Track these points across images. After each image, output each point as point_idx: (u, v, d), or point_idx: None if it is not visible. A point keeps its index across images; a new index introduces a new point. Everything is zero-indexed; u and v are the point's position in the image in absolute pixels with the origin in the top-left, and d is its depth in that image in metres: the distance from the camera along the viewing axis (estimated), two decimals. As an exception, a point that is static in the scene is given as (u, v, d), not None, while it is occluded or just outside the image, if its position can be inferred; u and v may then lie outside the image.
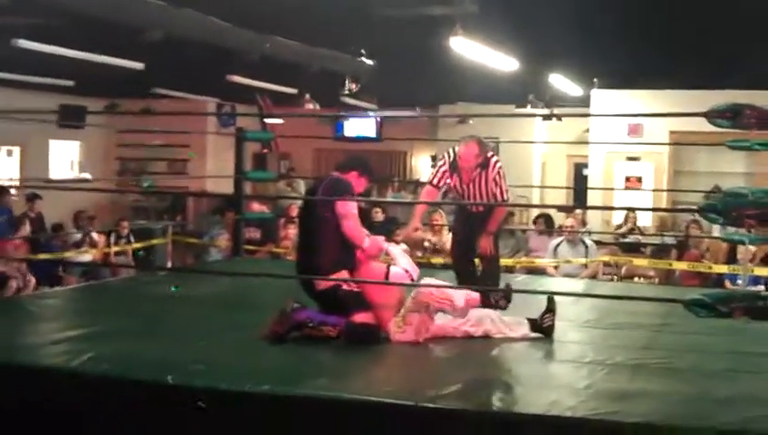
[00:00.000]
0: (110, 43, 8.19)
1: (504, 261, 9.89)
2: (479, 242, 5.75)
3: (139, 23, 6.57)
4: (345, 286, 4.67)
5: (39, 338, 4.59)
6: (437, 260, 9.59)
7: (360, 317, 4.61)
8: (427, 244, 9.88)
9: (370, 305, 4.67)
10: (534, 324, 4.72)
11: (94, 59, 8.47)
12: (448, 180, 5.74)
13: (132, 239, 10.95)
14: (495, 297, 4.71)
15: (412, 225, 5.89)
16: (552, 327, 4.75)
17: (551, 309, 4.78)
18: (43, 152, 14.35)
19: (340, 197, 4.78)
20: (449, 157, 5.74)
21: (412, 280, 4.79)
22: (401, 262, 4.95)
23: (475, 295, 4.65)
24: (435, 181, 5.77)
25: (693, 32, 7.97)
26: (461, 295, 4.58)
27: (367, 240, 4.83)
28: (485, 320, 4.68)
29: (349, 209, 4.78)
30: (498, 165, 5.68)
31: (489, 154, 5.70)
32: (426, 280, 4.76)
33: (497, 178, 5.65)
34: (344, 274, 4.72)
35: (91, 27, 6.81)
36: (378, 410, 3.49)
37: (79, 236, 10.64)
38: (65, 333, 4.57)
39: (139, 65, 9.03)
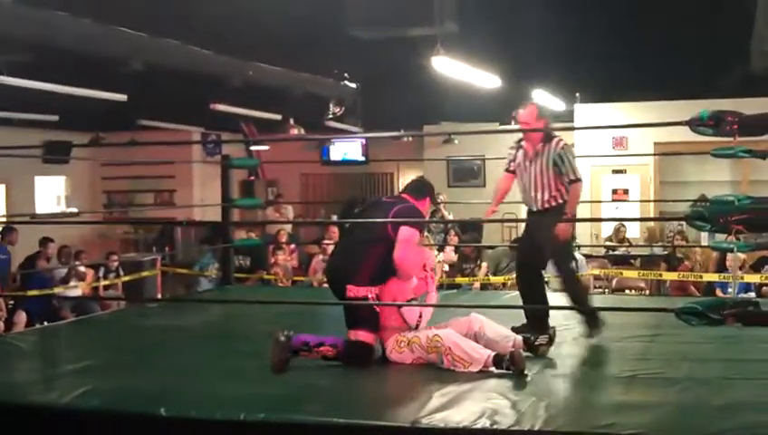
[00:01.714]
0: (92, 75, 8.19)
1: (494, 279, 9.93)
2: (555, 228, 5.23)
3: (119, 54, 6.57)
4: (372, 301, 4.62)
5: (30, 375, 4.55)
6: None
7: (361, 336, 4.59)
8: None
9: (379, 328, 4.64)
10: (527, 342, 4.68)
11: (77, 92, 8.46)
12: (514, 161, 5.46)
13: (122, 272, 10.90)
14: (538, 342, 4.65)
15: (491, 208, 5.71)
16: (546, 348, 4.66)
17: (549, 335, 4.72)
18: (29, 188, 14.31)
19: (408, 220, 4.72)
20: (516, 142, 5.54)
21: (417, 326, 4.64)
22: (428, 300, 4.83)
23: (488, 357, 4.36)
24: (507, 166, 5.55)
25: (674, 43, 8.04)
26: (481, 360, 4.34)
27: (415, 280, 4.78)
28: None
29: (412, 237, 4.71)
30: (563, 142, 5.31)
31: (554, 134, 5.39)
32: (450, 331, 4.53)
33: (563, 154, 5.25)
34: (372, 290, 4.64)
35: (72, 61, 6.80)
36: (372, 432, 3.47)
37: (64, 271, 10.56)
38: (56, 370, 4.54)
39: (122, 97, 9.03)
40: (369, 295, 4.62)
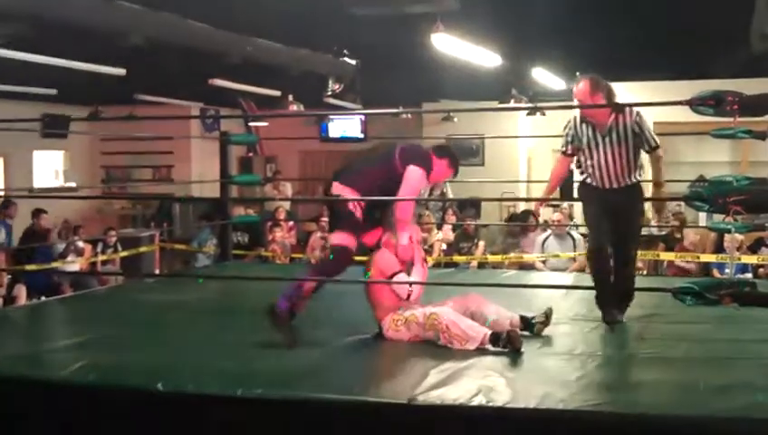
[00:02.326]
0: (91, 49, 8.15)
1: (491, 258, 9.95)
2: (652, 198, 5.11)
3: (118, 28, 6.53)
4: (351, 206, 4.60)
5: (27, 349, 4.55)
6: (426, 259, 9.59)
7: (339, 238, 4.62)
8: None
9: (359, 231, 4.64)
10: (524, 321, 4.67)
11: (76, 66, 8.42)
12: (578, 141, 5.07)
13: (120, 248, 10.91)
14: (535, 320, 4.67)
15: (546, 193, 5.45)
16: (541, 327, 4.68)
17: (546, 314, 4.72)
18: (27, 162, 14.28)
19: (418, 158, 4.70)
20: (573, 119, 5.18)
21: (408, 298, 4.64)
22: (415, 272, 4.82)
23: (485, 335, 4.34)
24: (565, 149, 5.18)
25: (676, 22, 7.99)
26: (478, 338, 4.32)
27: (406, 236, 4.73)
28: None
29: (415, 185, 4.69)
30: (636, 110, 4.99)
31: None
32: (447, 309, 4.52)
33: (640, 121, 4.95)
34: (355, 194, 4.61)
35: (70, 34, 6.76)
36: (369, 409, 3.48)
37: (80, 245, 10.57)
38: (54, 344, 4.54)
39: (120, 71, 8.99)
40: (350, 195, 4.59)
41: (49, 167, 15.05)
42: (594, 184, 5.06)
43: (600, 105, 4.92)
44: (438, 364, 3.97)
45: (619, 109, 4.99)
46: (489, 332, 4.34)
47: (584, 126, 5.06)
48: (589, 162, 5.04)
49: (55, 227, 11.70)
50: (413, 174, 4.67)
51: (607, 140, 4.97)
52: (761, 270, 8.61)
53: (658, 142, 4.99)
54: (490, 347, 4.28)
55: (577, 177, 5.26)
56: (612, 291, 5.04)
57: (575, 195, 5.52)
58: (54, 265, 9.76)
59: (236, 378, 3.78)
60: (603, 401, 3.44)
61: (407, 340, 4.54)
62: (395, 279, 4.67)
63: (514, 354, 4.19)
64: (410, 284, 4.68)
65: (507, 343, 4.24)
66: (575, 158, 5.16)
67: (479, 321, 4.54)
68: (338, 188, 4.67)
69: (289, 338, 4.47)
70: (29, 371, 4.06)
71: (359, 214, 4.63)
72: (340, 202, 4.64)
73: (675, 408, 3.39)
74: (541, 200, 5.83)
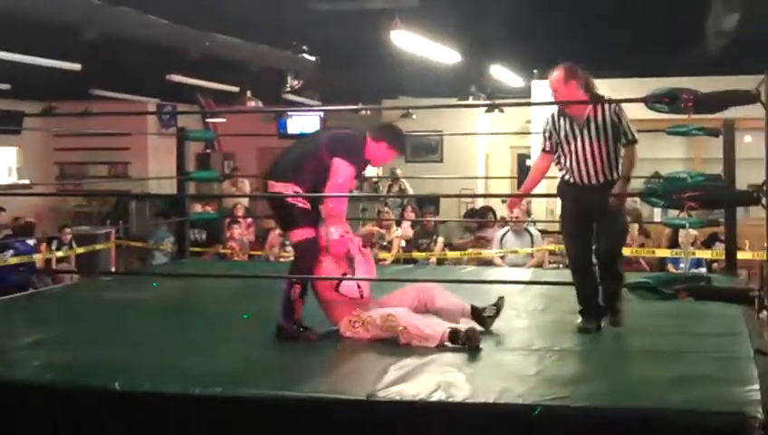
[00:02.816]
0: (45, 43, 8.03)
1: (450, 254, 9.99)
2: (614, 194, 4.61)
3: (73, 21, 6.44)
4: (293, 200, 4.51)
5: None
6: (385, 256, 9.61)
7: (299, 234, 4.56)
8: (374, 240, 9.88)
9: (314, 222, 4.57)
10: (475, 312, 4.67)
11: (30, 61, 8.29)
12: (556, 137, 4.75)
13: (75, 245, 10.76)
14: (486, 313, 4.65)
15: (524, 189, 5.32)
16: (491, 320, 4.68)
17: (497, 305, 4.73)
18: (-20, 159, 14.04)
19: (347, 151, 4.54)
20: (551, 114, 4.85)
21: (361, 297, 4.59)
22: (359, 266, 4.70)
23: (444, 334, 4.34)
24: (543, 145, 4.86)
25: (633, 20, 8.08)
26: (437, 337, 4.30)
27: (336, 230, 4.59)
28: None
29: (345, 175, 4.53)
30: (615, 103, 4.68)
31: (580, 93, 4.70)
32: (403, 310, 4.49)
33: (619, 112, 4.62)
34: (293, 188, 4.51)
35: (24, 28, 6.66)
36: (328, 406, 3.48)
37: (30, 242, 10.39)
38: (9, 344, 4.47)
39: (76, 66, 8.87)
40: (291, 191, 4.50)
41: (2, 164, 14.79)
42: (572, 181, 4.73)
43: (552, 102, 4.81)
44: (398, 360, 3.98)
45: (597, 97, 4.69)
46: (448, 330, 4.35)
47: (561, 119, 4.74)
48: (566, 158, 4.72)
49: (6, 226, 11.50)
50: (339, 167, 4.50)
51: (585, 132, 4.65)
52: (715, 265, 8.74)
53: (636, 136, 4.64)
54: (449, 344, 4.30)
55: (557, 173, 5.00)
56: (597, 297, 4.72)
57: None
58: (11, 261, 9.57)
59: (194, 377, 3.75)
60: (561, 394, 3.47)
61: (365, 339, 4.53)
62: (343, 282, 4.57)
63: (473, 351, 4.21)
64: (358, 285, 4.60)
65: (466, 341, 4.26)
66: (556, 154, 4.82)
67: (430, 310, 4.60)
68: (275, 187, 4.57)
69: (310, 339, 4.52)
70: (-17, 370, 3.99)
71: (303, 204, 4.54)
72: (284, 200, 4.53)
73: (631, 401, 3.43)
74: (518, 196, 5.76)
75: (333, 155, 4.52)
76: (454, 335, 4.31)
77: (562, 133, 4.72)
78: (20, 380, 3.81)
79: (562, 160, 4.76)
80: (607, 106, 4.63)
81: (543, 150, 4.88)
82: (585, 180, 4.67)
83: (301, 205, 4.53)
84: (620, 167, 4.65)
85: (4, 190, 12.13)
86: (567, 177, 4.76)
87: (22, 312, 5.89)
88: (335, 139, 4.65)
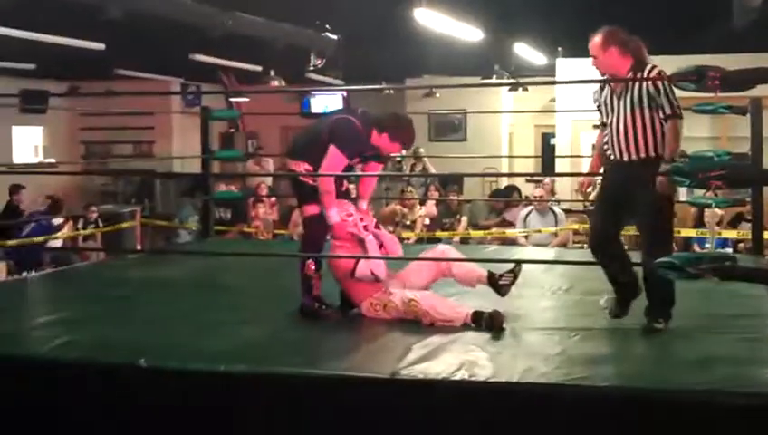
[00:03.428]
0: (69, 23, 8.06)
1: (474, 233, 9.97)
2: (654, 182, 4.15)
3: (97, 1, 6.45)
4: (311, 179, 4.65)
5: (8, 326, 4.52)
6: (408, 235, 9.61)
7: (309, 210, 4.69)
8: (398, 219, 9.87)
9: (316, 199, 4.66)
10: (492, 278, 4.63)
11: (54, 40, 8.33)
12: (602, 106, 4.43)
13: (101, 224, 10.85)
14: (502, 282, 4.62)
15: (594, 164, 4.75)
16: (507, 287, 4.62)
17: (514, 272, 4.66)
18: (6, 139, 14.14)
19: (341, 138, 4.62)
20: (598, 86, 4.55)
21: (377, 281, 4.57)
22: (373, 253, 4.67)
23: (467, 316, 4.35)
24: (601, 118, 4.52)
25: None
26: (460, 318, 4.32)
27: (334, 213, 4.64)
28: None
29: (331, 164, 4.60)
30: (658, 68, 4.26)
31: (644, 59, 4.36)
32: (427, 293, 4.54)
33: (660, 83, 4.19)
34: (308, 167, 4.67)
35: (49, 8, 6.70)
36: (353, 384, 3.50)
37: (56, 221, 10.48)
38: (36, 321, 4.52)
39: (100, 46, 8.90)
40: (303, 169, 4.67)
41: (28, 142, 14.91)
42: (610, 155, 4.39)
43: (577, 80, 4.76)
44: (421, 339, 3.99)
45: (639, 65, 4.32)
46: (471, 312, 4.34)
47: (606, 88, 4.44)
48: (607, 131, 4.41)
49: (33, 202, 11.59)
50: (330, 154, 4.61)
51: (621, 102, 4.31)
52: (740, 245, 8.67)
53: (679, 110, 4.21)
54: (472, 325, 4.30)
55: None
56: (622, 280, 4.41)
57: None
58: (37, 240, 9.67)
59: (219, 354, 3.78)
60: (585, 374, 3.47)
61: (386, 319, 4.54)
62: (359, 266, 4.56)
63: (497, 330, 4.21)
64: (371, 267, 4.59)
65: (489, 324, 4.25)
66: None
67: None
68: (292, 165, 4.77)
69: (333, 317, 4.61)
70: (10, 348, 4.04)
71: (315, 183, 4.68)
72: (303, 177, 4.68)
73: (656, 381, 3.42)
74: (588, 175, 5.14)
75: (330, 141, 4.64)
76: (477, 317, 4.30)
77: (603, 104, 4.44)
78: (46, 357, 3.85)
79: (605, 134, 4.46)
80: (648, 73, 4.25)
81: (603, 124, 4.52)
82: (618, 156, 4.32)
83: (311, 182, 4.67)
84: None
85: (30, 169, 12.25)
86: (608, 152, 4.43)
87: (49, 289, 5.96)
88: (335, 125, 4.73)
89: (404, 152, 5.70)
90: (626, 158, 4.28)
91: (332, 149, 4.61)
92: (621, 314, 4.41)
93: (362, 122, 4.73)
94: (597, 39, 4.41)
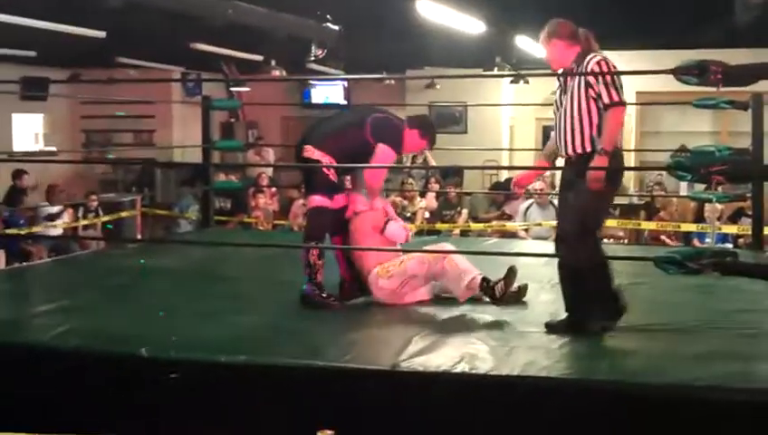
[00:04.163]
0: (70, 10, 8.03)
1: (474, 226, 9.97)
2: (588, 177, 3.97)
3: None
4: (325, 171, 4.67)
5: (10, 314, 4.53)
6: (409, 226, 9.59)
7: (316, 201, 4.71)
8: (398, 211, 9.87)
9: (334, 192, 4.72)
10: (484, 286, 4.62)
11: (55, 28, 8.30)
12: (554, 105, 4.24)
13: (101, 212, 10.84)
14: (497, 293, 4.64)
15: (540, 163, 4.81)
16: (502, 301, 4.61)
17: (506, 281, 4.61)
18: (6, 126, 14.11)
19: (389, 137, 4.74)
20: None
21: (407, 240, 4.93)
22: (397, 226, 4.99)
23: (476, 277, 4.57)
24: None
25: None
26: (473, 272, 4.56)
27: (378, 202, 4.91)
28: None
29: (387, 161, 4.77)
30: (596, 59, 4.04)
31: (591, 49, 4.13)
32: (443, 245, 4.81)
33: (595, 78, 3.99)
34: (328, 158, 4.68)
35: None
36: (353, 376, 3.50)
37: (54, 209, 10.48)
38: (36, 309, 4.53)
39: (100, 34, 8.87)
40: (324, 161, 4.66)
41: (29, 130, 14.88)
42: (561, 153, 4.23)
43: (577, 72, 4.21)
44: (422, 331, 4.00)
45: (583, 56, 4.11)
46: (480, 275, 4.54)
47: (558, 86, 4.26)
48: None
49: (32, 189, 11.58)
50: (383, 153, 4.72)
51: (565, 98, 4.14)
52: (741, 240, 8.67)
53: (619, 99, 3.98)
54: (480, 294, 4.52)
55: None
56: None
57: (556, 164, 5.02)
58: (36, 229, 9.67)
59: (219, 344, 3.79)
60: (585, 369, 3.48)
61: (396, 286, 4.58)
62: (389, 227, 4.84)
63: (495, 323, 4.22)
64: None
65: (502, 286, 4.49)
66: None
67: (440, 280, 4.73)
68: (309, 151, 4.72)
69: (334, 306, 4.65)
70: (10, 336, 4.04)
71: (333, 177, 4.72)
72: (324, 169, 4.66)
73: (656, 376, 3.42)
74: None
75: (378, 140, 4.72)
76: (485, 281, 4.48)
77: (554, 103, 4.26)
78: (45, 345, 3.86)
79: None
80: (587, 63, 4.05)
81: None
82: (564, 152, 4.15)
83: (328, 173, 4.68)
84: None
85: (30, 157, 12.23)
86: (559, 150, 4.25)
87: (48, 278, 5.96)
88: (380, 123, 4.80)
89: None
90: (570, 153, 4.11)
91: (384, 148, 4.71)
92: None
93: (395, 118, 4.91)
94: (542, 33, 4.30)
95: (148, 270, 5.84)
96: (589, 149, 4.04)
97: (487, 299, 4.63)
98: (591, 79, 4.01)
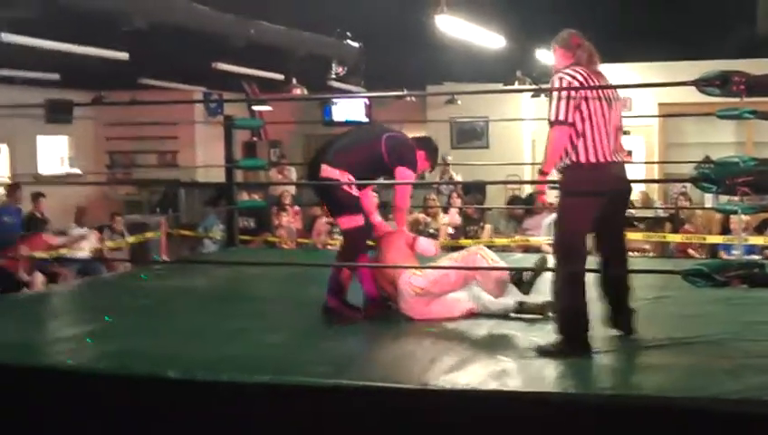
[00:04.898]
0: (94, 33, 8.12)
1: (498, 240, 9.93)
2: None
3: (120, 10, 6.51)
4: (347, 188, 4.70)
5: (39, 336, 4.57)
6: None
7: (347, 221, 4.73)
8: (421, 227, 9.85)
9: (360, 209, 4.76)
10: (514, 277, 4.69)
11: (79, 50, 8.39)
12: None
13: (126, 234, 10.92)
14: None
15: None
16: (529, 285, 4.68)
17: (537, 267, 4.69)
18: (32, 148, 14.26)
19: (406, 158, 4.85)
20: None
21: (436, 253, 5.09)
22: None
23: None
24: None
25: (681, 3, 7.95)
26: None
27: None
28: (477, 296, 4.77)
29: (408, 177, 4.85)
30: (557, 75, 4.12)
31: (576, 64, 4.20)
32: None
33: (555, 94, 4.03)
34: (346, 175, 4.72)
35: (73, 18, 6.75)
36: (381, 393, 3.49)
37: (81, 231, 10.55)
38: (64, 332, 4.55)
39: (124, 56, 8.96)
40: (342, 179, 4.68)
41: (54, 153, 15.03)
42: None
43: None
44: (449, 348, 3.98)
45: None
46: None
47: None
48: None
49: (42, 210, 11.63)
50: (403, 174, 4.83)
51: None
52: (767, 251, 8.59)
53: (560, 117, 4.00)
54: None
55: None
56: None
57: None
58: (64, 251, 9.74)
59: (245, 365, 3.79)
60: (615, 384, 3.45)
61: (429, 287, 4.63)
62: (419, 241, 5.03)
63: (522, 339, 4.20)
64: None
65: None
66: None
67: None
68: (327, 171, 4.72)
69: (355, 318, 4.69)
70: (39, 359, 4.07)
71: (355, 193, 4.75)
72: (337, 186, 4.70)
73: (685, 390, 3.39)
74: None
75: (397, 161, 4.81)
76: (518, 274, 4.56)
77: None
78: (75, 367, 3.87)
79: None
80: (552, 80, 4.11)
81: None
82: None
83: (353, 193, 4.70)
84: (575, 153, 4.05)
85: (55, 180, 12.34)
86: None
87: (76, 300, 5.99)
88: (396, 144, 4.88)
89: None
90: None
91: (403, 170, 4.81)
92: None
93: (407, 137, 5.04)
94: (553, 47, 4.41)
95: (174, 291, 5.85)
96: (564, 162, 4.10)
97: (514, 315, 4.62)
98: (550, 95, 4.08)
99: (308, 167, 4.94)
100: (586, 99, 4.05)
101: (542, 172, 4.11)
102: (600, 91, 4.11)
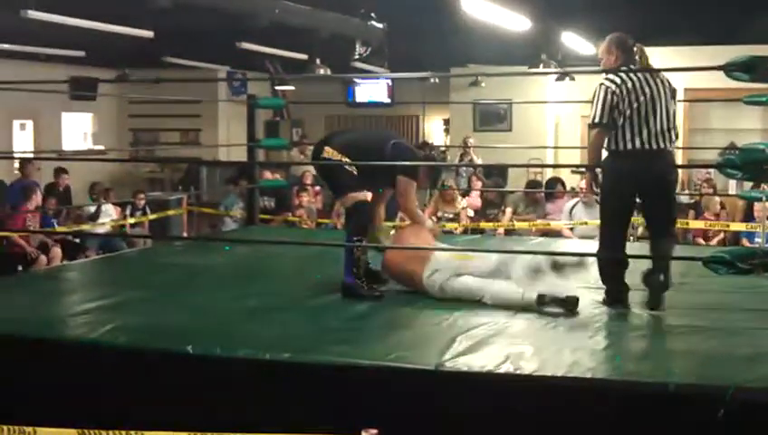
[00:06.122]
0: (119, 11, 8.15)
1: (518, 224, 9.90)
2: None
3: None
4: (348, 168, 4.82)
5: (59, 311, 4.61)
6: (452, 226, 9.56)
7: (351, 198, 4.82)
8: (439, 214, 9.83)
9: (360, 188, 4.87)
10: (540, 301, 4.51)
11: (104, 28, 8.42)
12: None
13: (148, 211, 10.98)
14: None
15: None
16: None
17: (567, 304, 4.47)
18: (56, 125, 14.36)
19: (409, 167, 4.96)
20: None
21: None
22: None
23: None
24: None
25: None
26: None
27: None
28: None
29: (410, 190, 5.00)
30: (605, 77, 4.55)
31: (618, 66, 4.59)
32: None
33: (596, 91, 4.50)
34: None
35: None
36: (397, 375, 3.50)
37: (93, 208, 10.65)
38: (84, 306, 4.58)
39: (148, 33, 8.98)
40: (344, 160, 4.79)
41: (78, 129, 15.13)
42: None
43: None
44: (467, 331, 3.98)
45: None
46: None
47: None
48: None
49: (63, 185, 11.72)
50: (406, 187, 4.97)
51: None
52: (791, 239, 8.50)
53: (598, 120, 4.46)
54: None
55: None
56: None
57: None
58: (84, 227, 9.82)
59: (265, 342, 3.81)
60: (631, 370, 3.43)
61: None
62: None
63: (543, 323, 4.18)
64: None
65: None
66: None
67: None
68: (329, 151, 4.85)
69: (376, 296, 4.75)
70: (59, 332, 4.10)
71: (356, 173, 4.83)
72: (338, 166, 4.80)
73: (703, 378, 3.37)
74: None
75: (399, 173, 4.93)
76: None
77: None
78: (95, 341, 3.90)
79: None
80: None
81: None
82: None
83: (351, 170, 4.80)
84: (616, 141, 4.48)
85: (80, 156, 12.42)
86: None
87: (96, 275, 6.04)
88: (400, 154, 4.98)
89: (449, 141, 5.95)
90: None
91: (405, 180, 4.94)
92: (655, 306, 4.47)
93: (412, 148, 5.33)
94: (603, 44, 4.71)
95: (194, 268, 5.88)
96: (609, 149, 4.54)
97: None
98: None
99: (313, 151, 5.06)
100: (624, 98, 4.43)
101: (585, 168, 4.74)
102: (642, 85, 4.49)
